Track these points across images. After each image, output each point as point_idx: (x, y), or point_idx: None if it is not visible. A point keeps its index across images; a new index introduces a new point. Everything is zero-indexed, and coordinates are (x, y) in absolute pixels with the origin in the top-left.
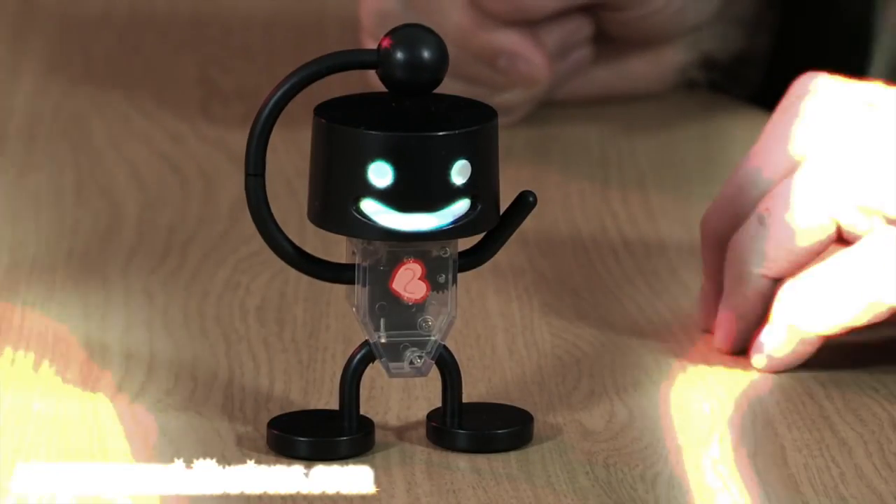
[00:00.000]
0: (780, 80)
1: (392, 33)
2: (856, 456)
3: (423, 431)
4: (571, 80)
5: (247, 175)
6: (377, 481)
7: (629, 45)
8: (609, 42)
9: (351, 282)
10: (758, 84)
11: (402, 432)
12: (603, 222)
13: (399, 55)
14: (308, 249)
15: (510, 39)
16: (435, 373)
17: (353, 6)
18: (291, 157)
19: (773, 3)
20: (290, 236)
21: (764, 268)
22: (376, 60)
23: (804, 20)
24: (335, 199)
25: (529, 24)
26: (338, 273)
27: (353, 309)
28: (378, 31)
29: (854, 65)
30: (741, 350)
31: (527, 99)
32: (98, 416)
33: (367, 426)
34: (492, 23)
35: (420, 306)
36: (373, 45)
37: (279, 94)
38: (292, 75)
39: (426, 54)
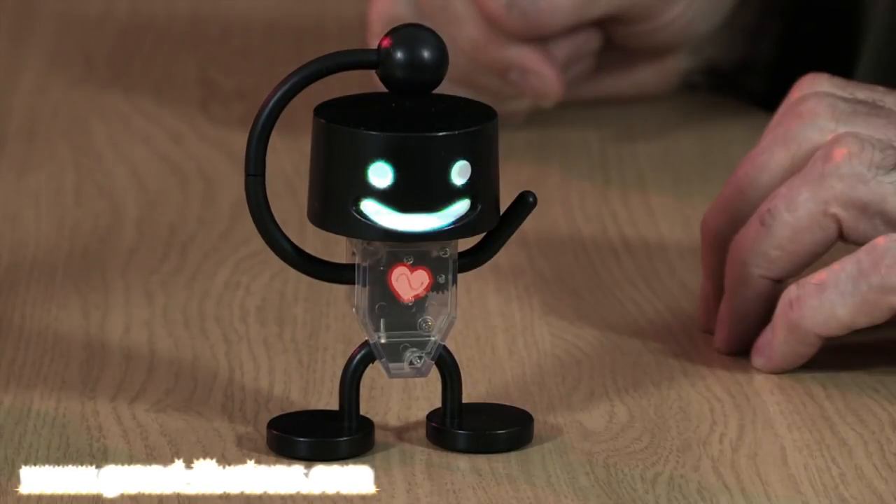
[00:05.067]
0: (782, 88)
1: (392, 33)
2: (856, 456)
3: (423, 432)
4: (574, 87)
5: (247, 175)
6: (377, 481)
7: (634, 52)
8: (614, 49)
9: (351, 282)
10: (760, 91)
11: (402, 433)
12: (603, 222)
13: (399, 55)
14: (308, 249)
15: (522, 54)
16: (435, 373)
17: (352, 7)
18: (291, 157)
19: (776, 11)
20: (290, 236)
21: (765, 269)
22: (376, 60)
23: (807, 28)
24: (335, 199)
25: (541, 39)
26: (338, 273)
27: (353, 309)
28: None
29: (854, 72)
30: (741, 350)
31: (535, 108)
32: (98, 416)
33: (367, 426)
34: (504, 37)
35: (420, 306)
36: None
37: (279, 94)
38: (292, 75)
39: (426, 54)
